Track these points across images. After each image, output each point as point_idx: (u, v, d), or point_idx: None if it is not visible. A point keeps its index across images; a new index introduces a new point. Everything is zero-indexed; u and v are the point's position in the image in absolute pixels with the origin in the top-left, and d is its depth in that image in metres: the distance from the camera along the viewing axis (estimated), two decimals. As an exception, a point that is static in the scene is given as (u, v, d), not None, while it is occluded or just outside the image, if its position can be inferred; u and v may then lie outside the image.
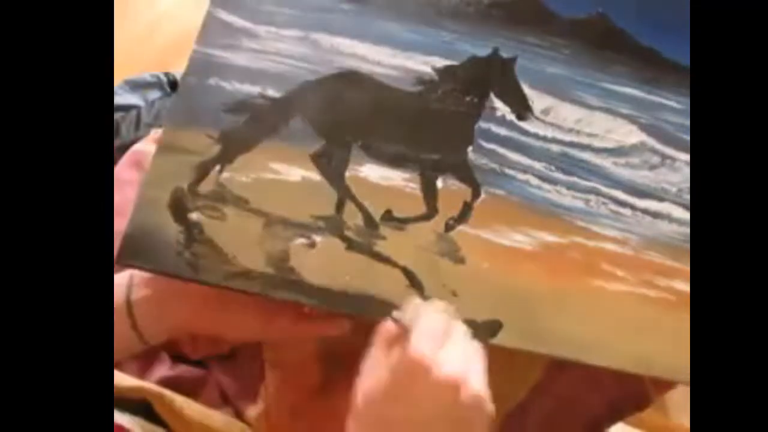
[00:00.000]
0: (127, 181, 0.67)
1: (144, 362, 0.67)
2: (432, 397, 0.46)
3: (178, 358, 0.69)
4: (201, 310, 0.57)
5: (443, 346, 0.47)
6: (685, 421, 0.87)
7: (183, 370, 0.68)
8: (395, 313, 0.51)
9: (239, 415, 0.64)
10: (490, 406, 0.48)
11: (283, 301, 0.56)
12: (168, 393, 0.61)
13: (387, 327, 0.50)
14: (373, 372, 0.48)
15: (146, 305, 0.57)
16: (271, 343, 0.66)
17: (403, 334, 0.48)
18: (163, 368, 0.67)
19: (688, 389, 0.51)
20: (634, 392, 0.65)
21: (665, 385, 0.65)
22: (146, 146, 0.71)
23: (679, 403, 0.85)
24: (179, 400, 0.61)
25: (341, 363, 0.63)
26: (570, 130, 0.61)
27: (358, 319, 0.57)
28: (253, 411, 0.63)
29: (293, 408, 0.63)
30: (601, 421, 0.67)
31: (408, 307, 0.51)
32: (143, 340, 0.57)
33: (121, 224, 0.56)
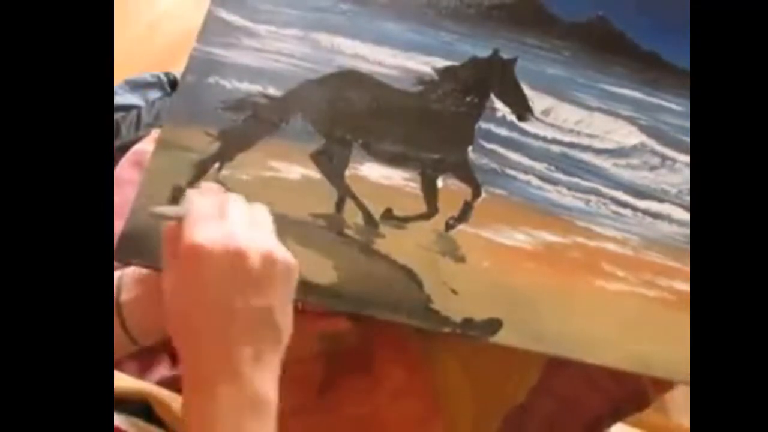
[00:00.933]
0: (128, 181, 0.67)
1: (144, 362, 0.67)
2: (222, 272, 0.45)
3: (177, 359, 0.69)
4: None
5: (219, 222, 0.47)
6: (685, 421, 0.87)
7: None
8: (169, 210, 0.50)
9: None
10: (286, 259, 0.48)
11: None
12: (167, 393, 0.61)
13: (170, 227, 0.49)
14: (167, 273, 0.48)
15: (135, 305, 0.56)
16: None
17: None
18: (163, 368, 0.67)
19: (688, 389, 0.51)
20: (634, 392, 0.65)
21: (664, 385, 0.65)
22: (147, 146, 0.70)
23: (679, 404, 0.85)
24: (179, 400, 0.61)
25: (342, 362, 0.63)
26: (570, 131, 0.61)
27: (359, 317, 0.57)
28: None
29: (293, 407, 0.63)
30: (601, 421, 0.67)
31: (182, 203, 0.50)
32: (134, 340, 0.57)
33: (122, 225, 0.56)
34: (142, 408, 0.59)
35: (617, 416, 0.69)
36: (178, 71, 0.95)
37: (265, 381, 0.47)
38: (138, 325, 0.56)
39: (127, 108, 0.91)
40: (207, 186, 0.52)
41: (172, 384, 0.63)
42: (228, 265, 0.46)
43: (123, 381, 0.60)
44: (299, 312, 0.57)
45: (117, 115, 0.90)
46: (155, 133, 0.73)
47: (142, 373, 0.66)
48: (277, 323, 0.47)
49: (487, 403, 0.65)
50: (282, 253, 0.48)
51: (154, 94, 0.94)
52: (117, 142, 0.87)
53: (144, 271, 0.57)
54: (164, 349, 0.68)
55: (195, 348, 0.47)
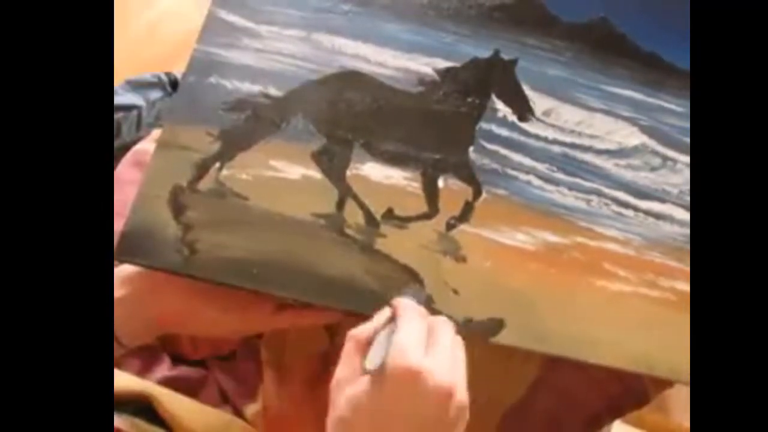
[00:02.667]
0: (129, 181, 0.67)
1: (144, 362, 0.67)
2: (423, 405, 0.45)
3: (177, 359, 0.69)
4: (176, 308, 0.56)
5: (429, 348, 0.46)
6: (685, 421, 0.87)
7: (183, 370, 0.68)
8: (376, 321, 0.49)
9: (238, 414, 0.64)
10: (467, 411, 0.47)
11: (280, 297, 0.56)
12: (168, 393, 0.61)
13: (362, 331, 0.49)
14: (356, 379, 0.46)
15: (120, 307, 0.56)
16: (266, 342, 0.66)
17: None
18: (163, 368, 0.67)
19: (689, 389, 0.51)
20: (634, 389, 0.65)
21: (664, 383, 0.65)
22: (148, 146, 0.70)
23: (679, 404, 0.85)
24: (180, 399, 0.61)
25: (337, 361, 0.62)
26: (571, 132, 0.61)
27: (359, 317, 0.57)
28: (251, 409, 0.63)
29: (290, 404, 0.63)
30: (601, 417, 0.67)
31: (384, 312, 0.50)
32: (119, 342, 0.56)
33: (122, 224, 0.56)
34: (143, 408, 0.59)
35: (616, 413, 0.68)
36: (178, 71, 0.95)
37: None
38: (124, 326, 0.55)
39: (127, 108, 0.91)
40: (416, 308, 0.50)
41: (172, 384, 0.63)
42: (431, 399, 0.45)
43: (124, 380, 0.60)
44: (279, 305, 0.57)
45: (118, 115, 0.90)
46: (156, 132, 0.73)
47: (142, 373, 0.66)
48: None
49: (487, 399, 0.65)
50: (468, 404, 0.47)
51: (155, 94, 0.94)
52: (118, 142, 0.87)
53: (131, 270, 0.56)
54: (165, 349, 0.68)
55: None
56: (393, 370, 0.45)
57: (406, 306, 0.50)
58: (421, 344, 0.46)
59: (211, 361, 0.69)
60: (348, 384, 0.46)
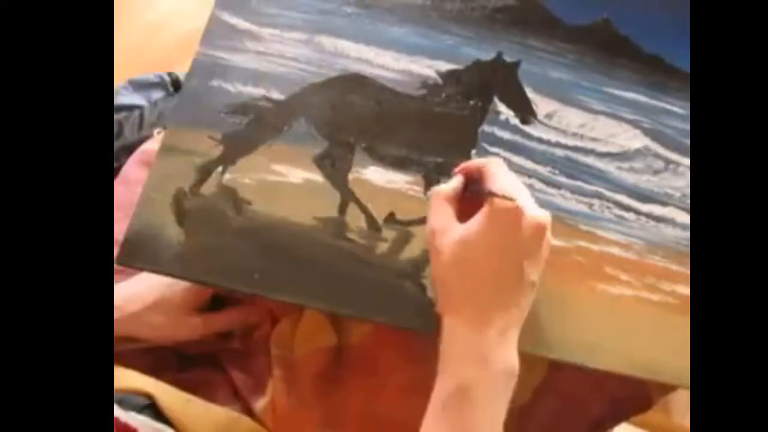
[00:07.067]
0: (136, 180, 0.68)
1: (150, 363, 0.67)
2: (541, 247, 0.49)
3: (185, 358, 0.69)
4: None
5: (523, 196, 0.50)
6: (687, 422, 0.87)
7: (192, 372, 0.68)
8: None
9: (248, 409, 0.64)
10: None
11: (281, 302, 0.56)
12: (172, 390, 0.61)
13: (446, 187, 0.52)
14: (454, 225, 0.50)
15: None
16: (274, 339, 0.66)
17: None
18: (173, 370, 0.67)
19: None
20: (637, 394, 0.65)
21: (667, 387, 0.65)
22: (154, 145, 0.71)
23: (682, 405, 0.85)
24: (183, 397, 0.61)
25: (348, 361, 0.63)
26: (574, 135, 0.61)
27: (359, 320, 0.57)
28: (260, 403, 0.63)
29: (298, 400, 0.63)
30: (605, 422, 0.67)
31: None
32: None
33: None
34: (149, 405, 0.60)
35: (620, 417, 0.68)
36: (181, 71, 0.96)
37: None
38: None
39: (130, 108, 0.92)
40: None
41: (181, 384, 0.63)
42: (544, 242, 0.49)
43: (130, 378, 0.60)
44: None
45: (120, 116, 0.90)
46: (160, 132, 0.73)
47: (153, 371, 0.66)
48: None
49: None
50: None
51: (157, 94, 0.95)
52: (121, 142, 0.87)
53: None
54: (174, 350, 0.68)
55: (482, 298, 0.49)
56: (532, 227, 0.48)
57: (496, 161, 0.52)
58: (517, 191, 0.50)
59: (225, 356, 0.69)
60: (447, 231, 0.50)
